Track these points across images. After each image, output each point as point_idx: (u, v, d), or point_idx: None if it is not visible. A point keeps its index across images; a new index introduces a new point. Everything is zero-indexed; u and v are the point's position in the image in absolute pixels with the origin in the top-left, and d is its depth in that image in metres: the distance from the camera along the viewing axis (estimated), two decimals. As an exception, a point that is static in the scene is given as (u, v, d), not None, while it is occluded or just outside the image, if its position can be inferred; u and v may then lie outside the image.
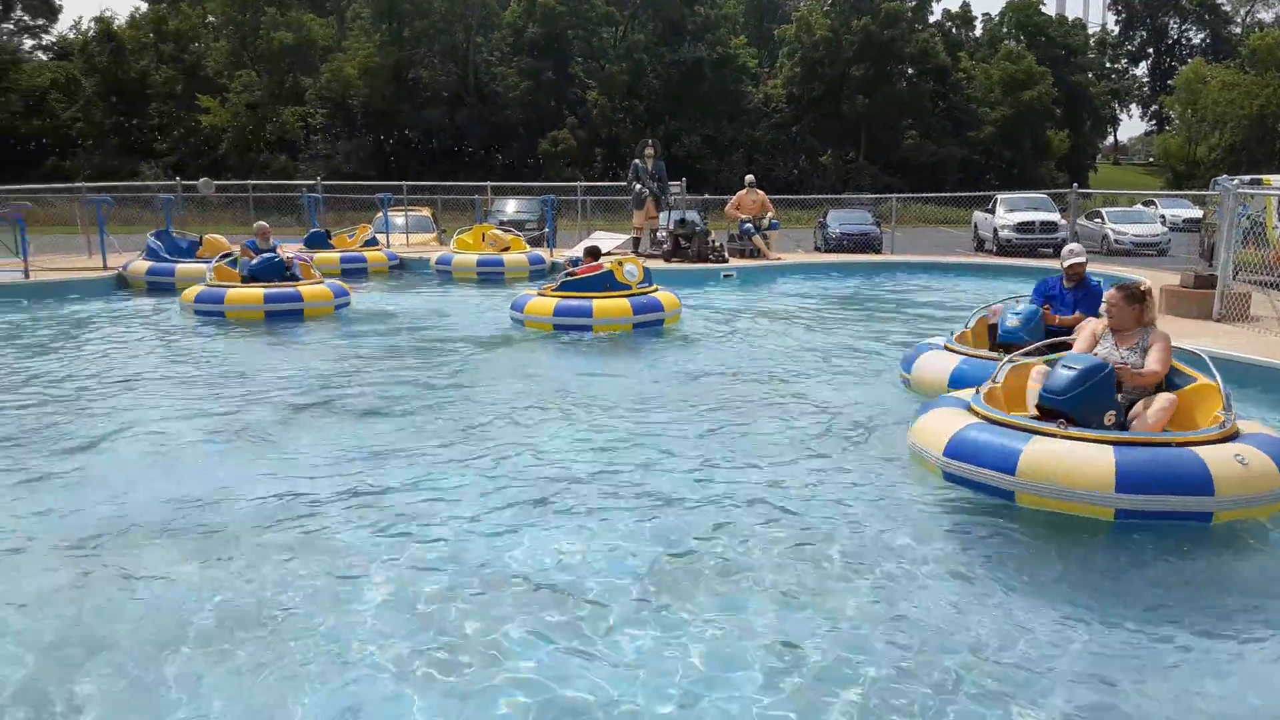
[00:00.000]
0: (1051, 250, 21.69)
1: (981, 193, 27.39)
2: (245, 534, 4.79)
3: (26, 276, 14.32)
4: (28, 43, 51.14)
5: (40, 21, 52.88)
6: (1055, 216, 23.46)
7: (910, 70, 50.15)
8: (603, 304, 10.77)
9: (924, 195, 28.00)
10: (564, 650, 3.65)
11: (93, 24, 48.71)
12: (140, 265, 15.00)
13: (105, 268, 15.65)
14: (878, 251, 21.69)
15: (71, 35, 51.19)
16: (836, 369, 8.97)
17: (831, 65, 48.37)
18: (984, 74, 51.16)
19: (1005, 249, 22.71)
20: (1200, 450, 4.79)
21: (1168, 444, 4.88)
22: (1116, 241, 24.49)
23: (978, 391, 5.78)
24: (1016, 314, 7.34)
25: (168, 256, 15.25)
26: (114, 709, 3.30)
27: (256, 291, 11.90)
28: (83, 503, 5.23)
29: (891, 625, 3.85)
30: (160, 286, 14.48)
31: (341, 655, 3.62)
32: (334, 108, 45.65)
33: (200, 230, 17.58)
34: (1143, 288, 5.75)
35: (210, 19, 48.51)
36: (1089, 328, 5.91)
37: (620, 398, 7.66)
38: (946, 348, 7.59)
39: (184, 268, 14.80)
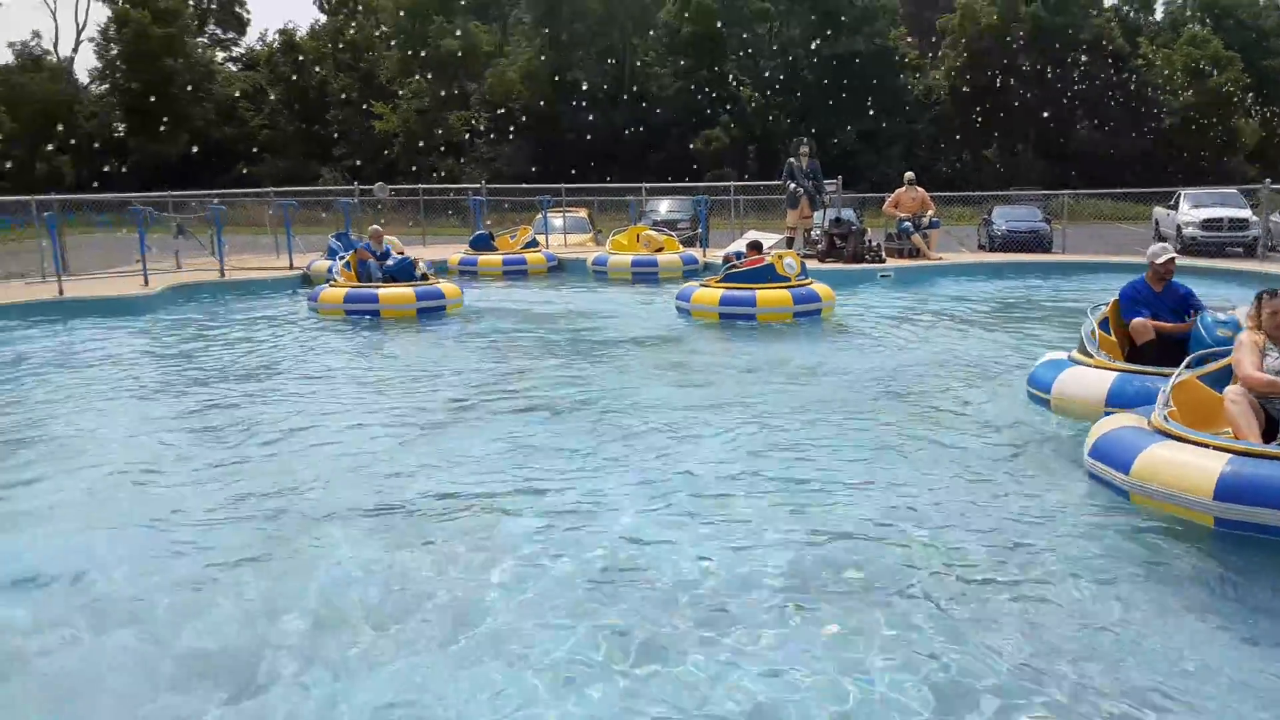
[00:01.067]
0: (1242, 250, 20.19)
1: (1163, 188, 25.73)
2: (418, 523, 5.08)
3: (222, 275, 15.52)
4: (219, 55, 55.11)
5: (231, 35, 56.93)
6: (1246, 213, 21.77)
7: (1084, 58, 47.57)
8: (766, 294, 11.38)
9: (1099, 191, 26.50)
10: (714, 657, 3.69)
11: (277, 36, 52.17)
12: (322, 264, 15.99)
13: (291, 267, 16.77)
14: (1048, 251, 20.71)
15: (258, 47, 54.89)
16: (998, 379, 8.63)
17: (998, 55, 46.44)
18: (1165, 60, 47.95)
19: (1190, 248, 21.23)
20: None
21: None
22: (1317, 239, 22.55)
23: (1169, 417, 5.23)
24: None
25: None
26: (297, 674, 3.57)
27: (408, 291, 12.43)
28: (271, 486, 5.65)
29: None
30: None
31: (500, 645, 3.79)
32: (496, 112, 47.20)
33: (375, 231, 18.60)
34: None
35: (384, 28, 50.99)
36: (1248, 340, 5.45)
37: (776, 403, 7.66)
38: (1073, 358, 7.06)
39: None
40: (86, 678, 3.63)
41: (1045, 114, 45.37)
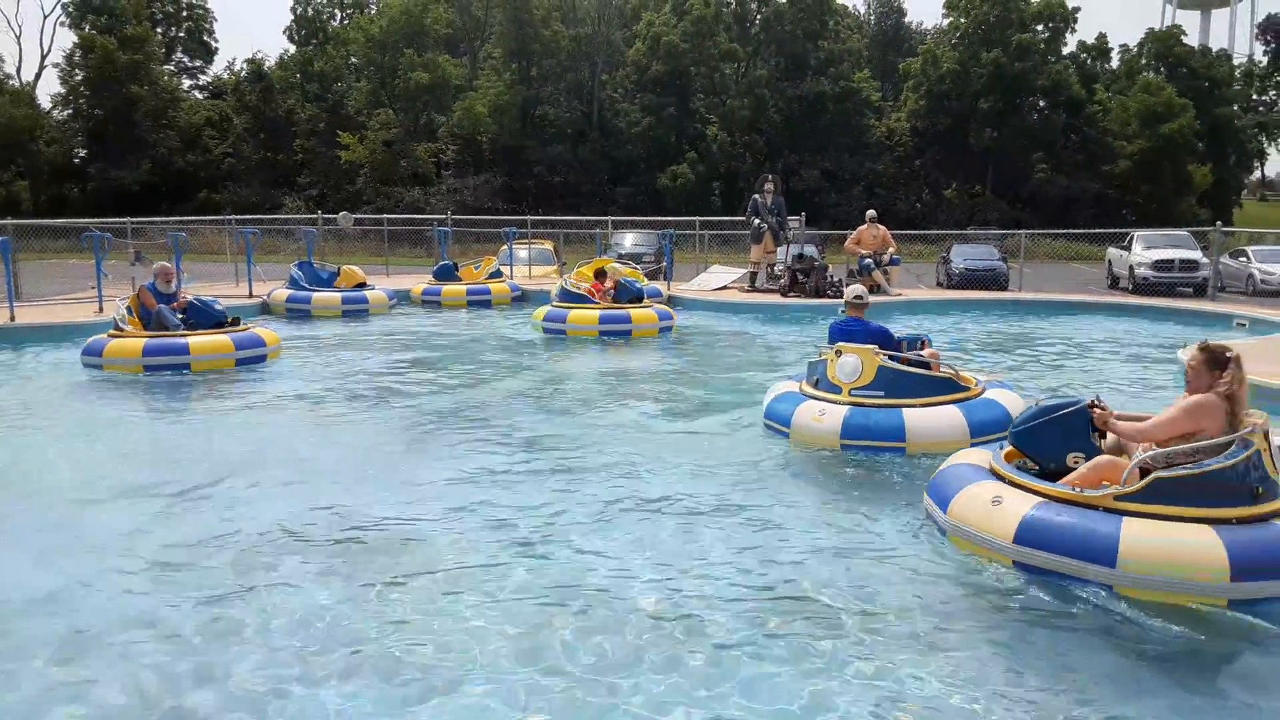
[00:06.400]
0: (1192, 290, 20.65)
1: (1117, 229, 26.34)
2: (370, 551, 5.03)
3: (180, 302, 15.30)
4: (186, 83, 54.83)
5: (198, 63, 56.79)
6: (1196, 254, 22.36)
7: (1042, 103, 48.77)
8: (575, 314, 13.64)
9: (1055, 231, 27.03)
10: (666, 678, 3.70)
11: (245, 65, 52.07)
12: (281, 293, 15.93)
13: (250, 295, 16.61)
14: (1004, 288, 21.07)
15: (225, 76, 54.72)
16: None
17: (958, 98, 47.49)
18: (1120, 107, 49.28)
19: (1141, 288, 21.74)
20: None
21: None
22: (1264, 281, 23.11)
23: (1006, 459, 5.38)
24: None
25: (307, 286, 16.15)
26: (239, 708, 3.51)
27: (225, 339, 10.65)
28: (224, 518, 5.58)
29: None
30: (297, 313, 15.38)
31: (456, 670, 3.76)
32: (464, 144, 47.33)
33: (338, 261, 18.47)
34: (1229, 354, 4.77)
35: (353, 60, 51.07)
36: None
37: (707, 454, 7.70)
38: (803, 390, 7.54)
39: (319, 296, 15.76)
40: (33, 711, 3.54)
41: (1003, 156, 46.38)
